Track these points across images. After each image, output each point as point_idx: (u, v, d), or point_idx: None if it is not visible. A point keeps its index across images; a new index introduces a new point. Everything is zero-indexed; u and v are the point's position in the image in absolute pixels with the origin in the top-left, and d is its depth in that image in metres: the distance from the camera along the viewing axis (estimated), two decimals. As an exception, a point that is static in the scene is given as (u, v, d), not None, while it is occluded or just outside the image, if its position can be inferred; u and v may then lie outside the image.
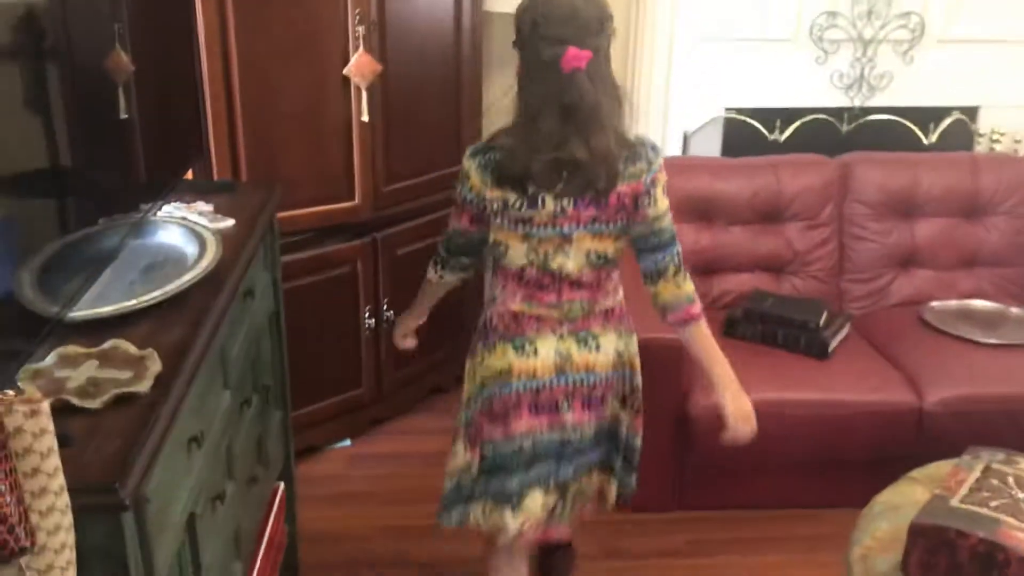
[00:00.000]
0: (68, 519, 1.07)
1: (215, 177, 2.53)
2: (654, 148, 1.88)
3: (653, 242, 1.89)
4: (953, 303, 3.06)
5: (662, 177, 1.87)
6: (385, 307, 3.02)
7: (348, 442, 3.13)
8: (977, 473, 2.01)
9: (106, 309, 1.54)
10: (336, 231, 2.87)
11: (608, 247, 1.90)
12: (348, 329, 2.98)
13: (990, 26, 3.59)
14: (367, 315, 3.00)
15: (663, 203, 1.88)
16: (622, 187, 1.83)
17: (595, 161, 1.78)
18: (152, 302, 1.58)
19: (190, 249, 1.81)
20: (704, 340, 1.97)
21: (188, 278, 1.66)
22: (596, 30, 1.78)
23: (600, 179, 1.80)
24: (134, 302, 1.56)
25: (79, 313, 1.50)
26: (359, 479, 2.97)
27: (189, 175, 2.35)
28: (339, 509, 2.81)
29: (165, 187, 2.18)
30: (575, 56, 1.74)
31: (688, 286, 1.92)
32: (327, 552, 2.63)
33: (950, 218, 3.14)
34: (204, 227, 1.90)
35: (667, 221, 1.90)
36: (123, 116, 2.29)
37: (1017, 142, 3.66)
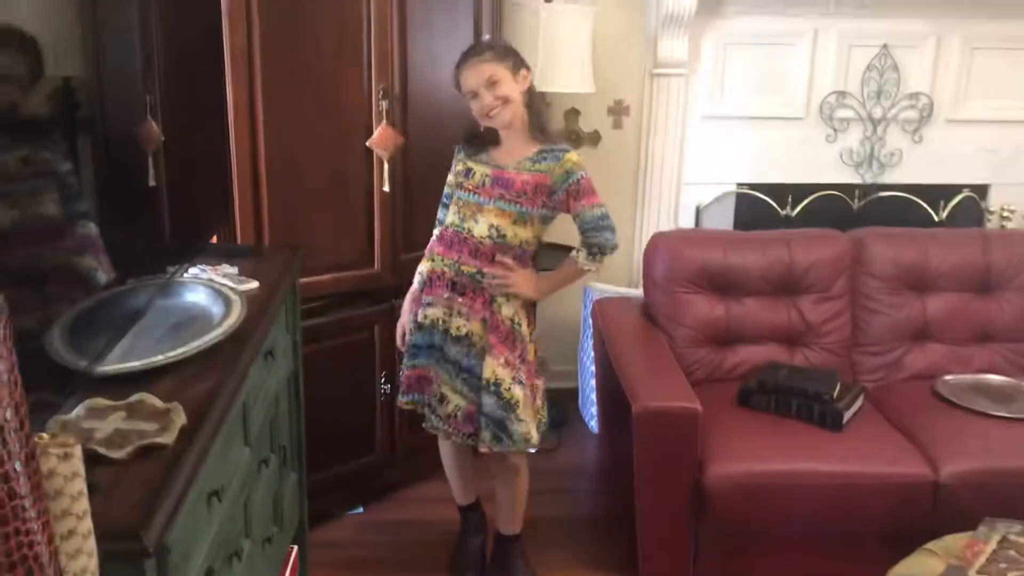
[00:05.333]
0: (94, 562, 1.09)
1: (239, 242, 2.59)
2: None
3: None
4: (967, 377, 3.06)
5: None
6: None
7: (360, 509, 3.13)
8: (994, 544, 2.00)
9: (134, 364, 1.58)
10: (355, 297, 2.92)
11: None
12: (363, 394, 3.01)
13: (997, 107, 3.68)
14: (383, 380, 3.03)
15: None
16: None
17: None
18: (178, 358, 1.62)
19: (216, 309, 1.86)
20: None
21: (213, 336, 1.70)
22: None
23: None
24: (161, 358, 1.60)
25: (107, 368, 1.54)
26: (370, 546, 2.95)
27: (214, 240, 2.41)
28: (350, 575, 2.80)
29: (191, 251, 2.24)
30: None
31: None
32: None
33: (962, 293, 3.16)
34: (230, 288, 1.95)
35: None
36: (151, 184, 2.37)
37: (1027, 219, 3.71)
